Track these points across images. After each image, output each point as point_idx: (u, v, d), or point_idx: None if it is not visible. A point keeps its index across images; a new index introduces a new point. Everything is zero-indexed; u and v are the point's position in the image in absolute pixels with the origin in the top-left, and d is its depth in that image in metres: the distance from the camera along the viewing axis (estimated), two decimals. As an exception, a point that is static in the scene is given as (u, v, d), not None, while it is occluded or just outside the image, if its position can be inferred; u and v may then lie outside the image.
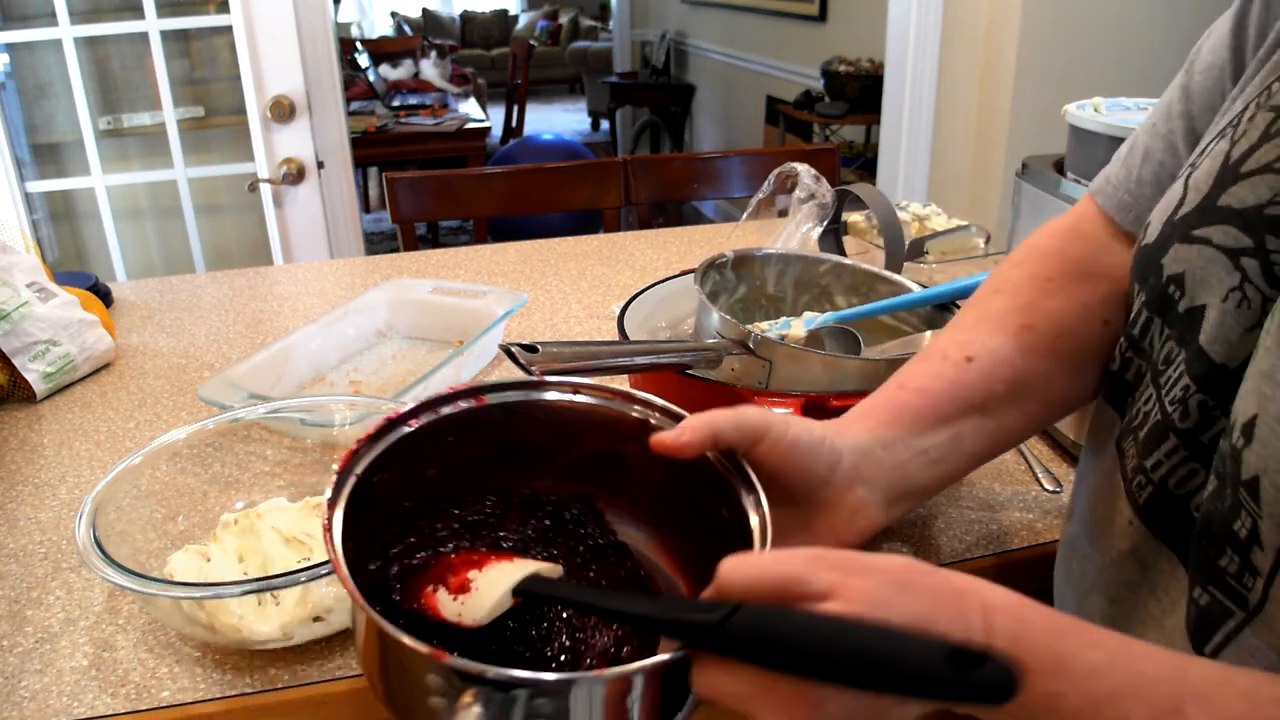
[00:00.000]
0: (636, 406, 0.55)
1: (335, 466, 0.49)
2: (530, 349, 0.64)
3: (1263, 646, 0.41)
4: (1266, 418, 0.40)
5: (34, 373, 1.00)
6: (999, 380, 0.58)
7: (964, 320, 0.62)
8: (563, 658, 0.50)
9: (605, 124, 7.36)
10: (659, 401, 0.55)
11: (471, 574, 0.49)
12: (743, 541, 0.47)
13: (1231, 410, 0.43)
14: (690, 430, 0.49)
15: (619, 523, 0.57)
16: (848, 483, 0.54)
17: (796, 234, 1.19)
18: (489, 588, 0.48)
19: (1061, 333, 0.60)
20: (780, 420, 0.51)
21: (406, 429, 0.52)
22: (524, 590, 0.48)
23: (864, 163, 3.69)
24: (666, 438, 0.49)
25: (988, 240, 1.37)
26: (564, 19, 9.23)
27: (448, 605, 0.48)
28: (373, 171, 5.13)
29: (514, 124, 6.08)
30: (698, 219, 5.06)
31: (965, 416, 0.58)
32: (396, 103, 4.47)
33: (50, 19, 1.82)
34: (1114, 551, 0.51)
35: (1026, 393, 0.59)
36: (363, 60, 4.52)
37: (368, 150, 4.02)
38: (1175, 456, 0.46)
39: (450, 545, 0.53)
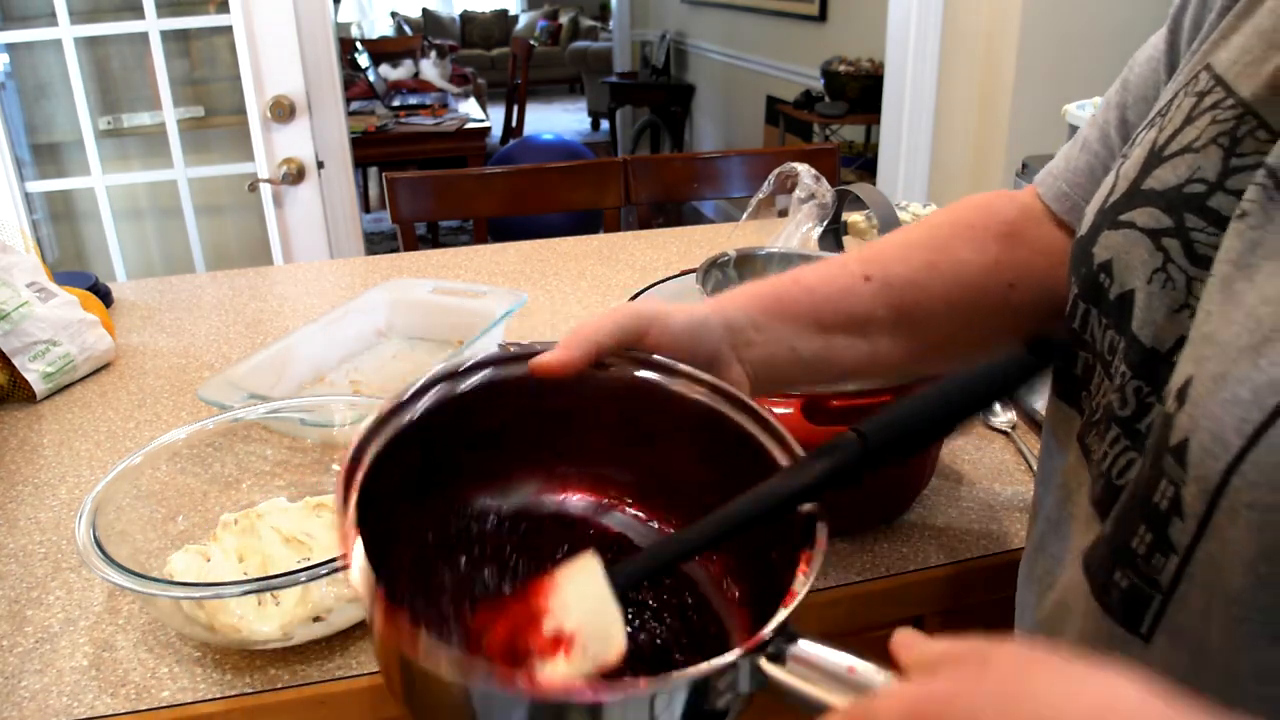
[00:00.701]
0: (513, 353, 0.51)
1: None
2: (530, 349, 0.63)
3: (1190, 627, 0.41)
4: (1203, 376, 0.39)
5: (34, 373, 1.00)
6: (884, 305, 0.59)
7: (879, 243, 0.63)
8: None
9: (605, 124, 7.36)
10: (527, 346, 0.51)
11: (547, 623, 0.41)
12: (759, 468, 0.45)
13: (1166, 387, 0.42)
14: (569, 346, 0.49)
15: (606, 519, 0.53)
16: (730, 360, 0.55)
17: (796, 234, 1.19)
18: (589, 613, 0.41)
19: (962, 281, 0.60)
20: (661, 310, 0.52)
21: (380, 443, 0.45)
22: (626, 580, 0.43)
23: (864, 163, 3.69)
24: (546, 359, 0.49)
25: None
26: (564, 19, 9.22)
27: (562, 668, 0.40)
28: (373, 171, 5.13)
29: (514, 124, 6.08)
30: (698, 219, 5.05)
31: (841, 331, 0.58)
32: (396, 103, 4.46)
33: (50, 19, 1.82)
34: (1077, 549, 0.51)
35: (909, 327, 0.60)
36: (363, 60, 4.52)
37: (368, 150, 4.02)
38: (1117, 446, 0.46)
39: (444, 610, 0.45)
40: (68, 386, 1.05)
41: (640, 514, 0.53)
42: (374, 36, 7.87)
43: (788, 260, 0.92)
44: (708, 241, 1.52)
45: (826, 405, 0.68)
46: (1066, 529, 0.53)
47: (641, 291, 0.93)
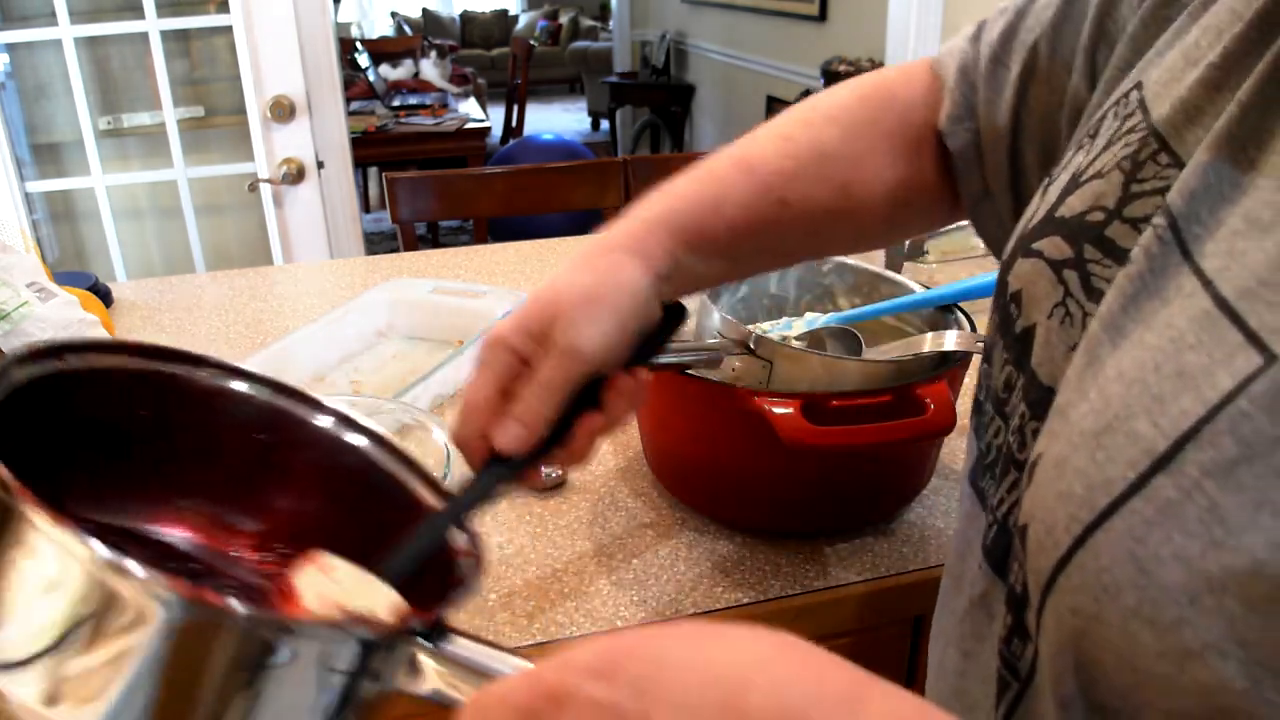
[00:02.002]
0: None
1: None
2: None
3: (1044, 717, 0.36)
4: (1048, 458, 0.36)
5: (34, 373, 1.00)
6: (798, 231, 0.60)
7: (796, 137, 0.60)
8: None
9: (605, 124, 7.36)
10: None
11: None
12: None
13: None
14: (533, 426, 0.48)
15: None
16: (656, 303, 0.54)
17: (797, 234, 1.18)
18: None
19: (868, 203, 0.60)
20: (604, 337, 0.49)
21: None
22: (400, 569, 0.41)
23: (864, 163, 3.69)
24: (512, 441, 0.47)
25: (988, 240, 1.37)
26: (564, 19, 9.22)
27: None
28: (373, 171, 5.12)
29: (514, 124, 6.08)
30: (698, 219, 5.04)
31: (751, 254, 0.60)
32: (396, 103, 4.46)
33: (50, 19, 1.82)
34: (965, 599, 0.46)
35: (813, 244, 0.64)
36: (363, 60, 4.52)
37: (368, 150, 4.01)
38: (1015, 492, 0.41)
39: None
40: (68, 386, 1.05)
41: (265, 563, 0.47)
42: (374, 36, 7.87)
43: (788, 260, 0.92)
44: (708, 241, 1.52)
45: (826, 405, 0.68)
46: (961, 576, 0.48)
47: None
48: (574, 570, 0.73)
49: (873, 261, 0.93)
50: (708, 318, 0.78)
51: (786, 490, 0.75)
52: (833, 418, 0.67)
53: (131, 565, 0.28)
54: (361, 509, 0.45)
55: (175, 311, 1.27)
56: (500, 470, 0.48)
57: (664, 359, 0.72)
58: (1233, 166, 0.34)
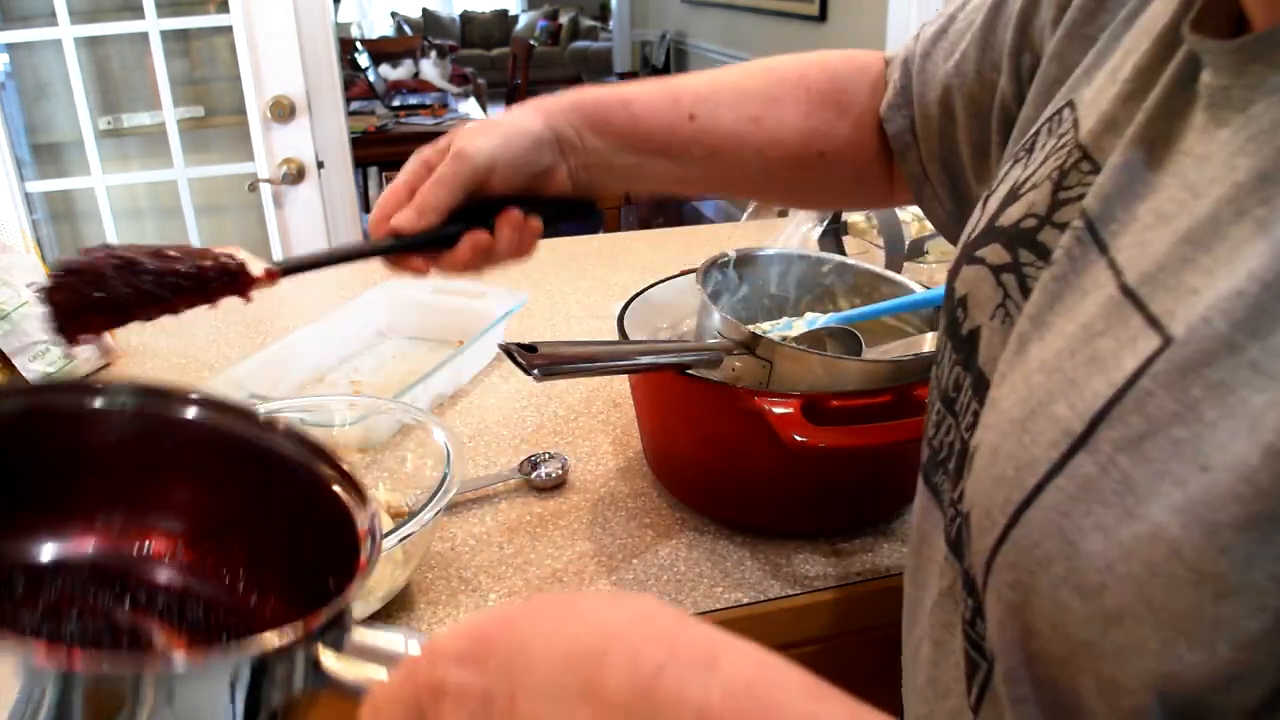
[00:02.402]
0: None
1: None
2: (530, 349, 0.64)
3: (1007, 696, 0.37)
4: (983, 448, 0.38)
5: (34, 373, 1.00)
6: (702, 147, 0.65)
7: (718, 81, 0.67)
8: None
9: (605, 124, 7.35)
10: None
11: None
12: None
13: None
14: (424, 210, 0.58)
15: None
16: (559, 165, 0.63)
17: (797, 234, 1.19)
18: None
19: (778, 141, 0.66)
20: (491, 147, 0.59)
21: None
22: None
23: (864, 163, 3.68)
24: (402, 220, 0.58)
25: (988, 240, 1.37)
26: (564, 19, 9.22)
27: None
28: (373, 171, 5.11)
29: (514, 124, 6.07)
30: (698, 219, 5.04)
31: (657, 156, 0.65)
32: (396, 103, 4.46)
33: (50, 19, 1.82)
34: (935, 592, 0.48)
35: (721, 168, 0.67)
36: (363, 60, 4.51)
37: (368, 150, 4.01)
38: None
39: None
40: (68, 386, 1.05)
41: (193, 560, 0.48)
42: (374, 36, 7.87)
43: (788, 261, 0.92)
44: (708, 241, 1.52)
45: (826, 405, 0.68)
46: (923, 577, 0.50)
47: (641, 291, 0.93)
48: (574, 570, 0.73)
49: (873, 261, 0.93)
50: (708, 318, 0.78)
51: (786, 490, 0.75)
52: (833, 418, 0.67)
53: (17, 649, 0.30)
54: (261, 488, 0.47)
55: (175, 311, 1.27)
56: (390, 242, 0.59)
57: (664, 359, 0.72)
58: (1143, 167, 0.37)
